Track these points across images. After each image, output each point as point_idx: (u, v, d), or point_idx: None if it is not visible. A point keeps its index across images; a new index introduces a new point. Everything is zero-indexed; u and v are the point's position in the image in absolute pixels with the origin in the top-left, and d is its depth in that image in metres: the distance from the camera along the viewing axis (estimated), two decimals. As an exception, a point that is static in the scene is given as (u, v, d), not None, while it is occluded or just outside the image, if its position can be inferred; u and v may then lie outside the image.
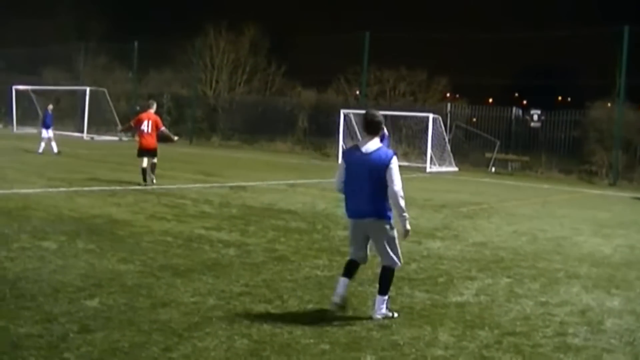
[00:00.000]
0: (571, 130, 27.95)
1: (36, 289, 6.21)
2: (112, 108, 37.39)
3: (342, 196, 6.19)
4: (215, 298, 6.30)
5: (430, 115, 27.34)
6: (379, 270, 6.20)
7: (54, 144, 23.14)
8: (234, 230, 10.03)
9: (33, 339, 4.91)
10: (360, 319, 5.91)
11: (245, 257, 8.24)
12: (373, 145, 5.98)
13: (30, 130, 34.29)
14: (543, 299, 7.04)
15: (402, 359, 5.06)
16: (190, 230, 9.77)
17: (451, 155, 28.55)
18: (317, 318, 5.86)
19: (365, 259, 6.22)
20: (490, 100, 35.56)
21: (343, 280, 6.07)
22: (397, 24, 66.95)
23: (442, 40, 46.16)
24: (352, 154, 6.12)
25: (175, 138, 16.93)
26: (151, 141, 15.20)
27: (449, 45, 59.01)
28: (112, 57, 44.13)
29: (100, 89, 37.61)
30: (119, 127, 22.59)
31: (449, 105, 32.51)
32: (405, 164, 25.53)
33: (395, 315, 6.01)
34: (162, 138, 15.79)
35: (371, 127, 6.07)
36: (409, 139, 30.20)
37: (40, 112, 32.56)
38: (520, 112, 31.22)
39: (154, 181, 15.11)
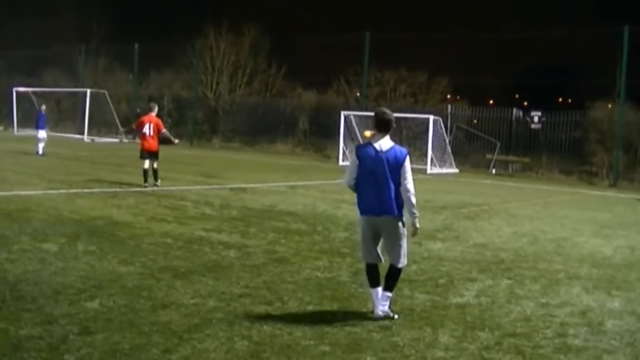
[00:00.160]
0: (572, 131, 27.93)
1: (37, 290, 6.22)
2: (113, 110, 37.44)
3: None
4: (215, 300, 6.30)
5: (431, 117, 27.37)
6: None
7: (41, 145, 23.13)
8: (234, 232, 10.04)
9: (33, 341, 4.91)
10: (360, 320, 5.91)
11: (245, 258, 8.24)
12: (387, 143, 6.01)
13: (31, 132, 34.24)
14: (543, 300, 7.04)
15: (403, 360, 5.06)
16: (190, 232, 9.78)
17: (452, 156, 28.54)
18: (318, 319, 5.86)
19: (379, 257, 6.17)
20: (491, 101, 35.55)
21: (374, 292, 6.06)
22: (397, 24, 66.91)
23: (442, 41, 46.07)
24: (366, 151, 6.10)
25: (176, 141, 16.99)
26: (153, 144, 15.33)
27: (449, 46, 59.07)
28: (113, 58, 44.18)
29: (101, 90, 37.65)
30: (122, 128, 22.68)
31: (449, 106, 32.45)
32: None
33: (396, 316, 6.01)
34: (163, 140, 15.86)
35: (382, 125, 6.09)
36: (410, 141, 30.14)
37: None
38: (521, 113, 31.17)
39: (159, 184, 15.20)
